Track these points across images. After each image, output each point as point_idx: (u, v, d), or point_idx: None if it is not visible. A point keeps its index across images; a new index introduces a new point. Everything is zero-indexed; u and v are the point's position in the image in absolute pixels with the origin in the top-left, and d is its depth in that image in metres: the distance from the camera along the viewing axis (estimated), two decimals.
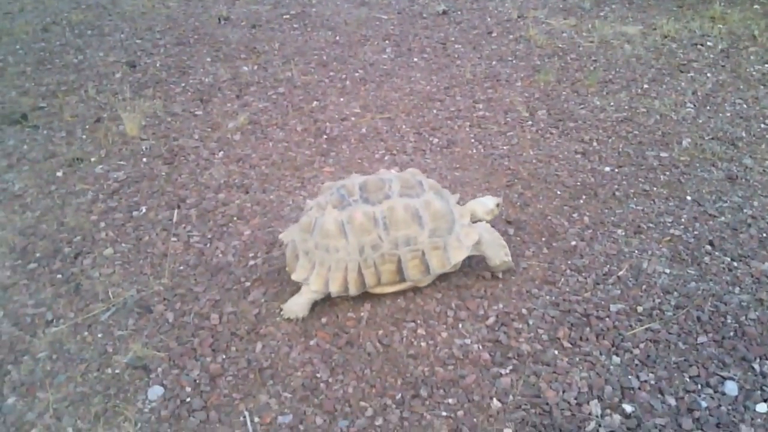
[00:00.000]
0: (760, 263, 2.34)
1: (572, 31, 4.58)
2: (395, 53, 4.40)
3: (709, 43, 4.24)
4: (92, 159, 3.19)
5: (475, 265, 2.33)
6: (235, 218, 2.70)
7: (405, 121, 3.48)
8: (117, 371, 1.99)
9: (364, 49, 4.50)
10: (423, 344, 2.05)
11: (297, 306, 2.11)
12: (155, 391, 1.90)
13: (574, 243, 2.48)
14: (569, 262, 2.39)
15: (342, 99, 3.78)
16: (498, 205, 2.35)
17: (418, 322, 2.13)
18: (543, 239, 2.50)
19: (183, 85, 4.01)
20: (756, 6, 4.82)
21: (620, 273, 2.32)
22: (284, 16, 5.17)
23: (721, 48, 4.16)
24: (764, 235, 2.48)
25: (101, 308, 2.24)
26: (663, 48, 4.20)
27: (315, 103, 3.73)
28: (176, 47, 4.61)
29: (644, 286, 2.26)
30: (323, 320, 2.15)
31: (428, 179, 2.21)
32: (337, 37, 4.74)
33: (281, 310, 2.15)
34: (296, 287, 2.18)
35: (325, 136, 3.35)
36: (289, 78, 4.07)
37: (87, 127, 3.51)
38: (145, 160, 3.16)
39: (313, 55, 4.42)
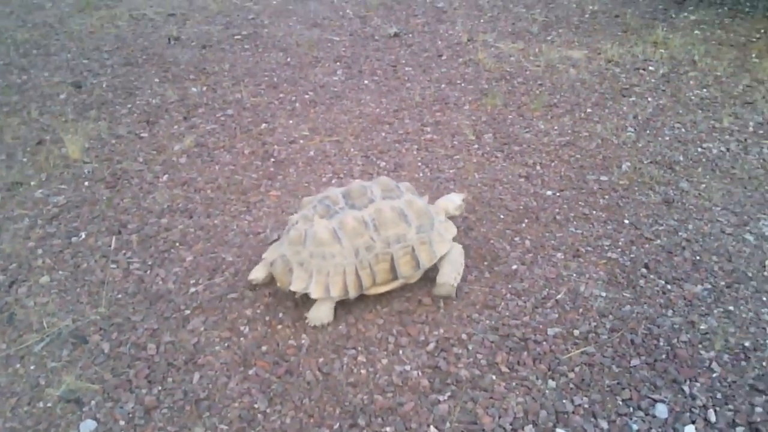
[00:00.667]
0: (693, 286, 2.40)
1: (520, 55, 4.67)
2: (346, 75, 4.42)
3: (651, 68, 4.37)
4: (32, 183, 3.12)
5: (417, 290, 2.35)
6: (177, 244, 2.66)
7: (353, 144, 3.49)
8: (49, 405, 1.94)
9: (315, 71, 4.51)
10: (363, 372, 2.05)
11: (321, 313, 2.18)
12: (87, 426, 1.86)
13: (515, 267, 2.51)
14: (510, 286, 2.42)
15: (291, 121, 3.78)
16: (463, 200, 2.52)
17: (359, 348, 2.13)
18: (485, 263, 2.53)
19: (129, 106, 3.96)
20: (697, 31, 4.99)
21: (558, 297, 2.36)
22: (235, 37, 5.15)
23: (663, 72, 4.29)
24: (697, 257, 2.55)
25: (35, 339, 2.19)
26: (607, 72, 4.31)
27: (264, 125, 3.72)
28: (124, 68, 4.56)
29: (581, 310, 2.30)
30: (263, 348, 2.13)
31: (402, 183, 2.36)
32: (289, 59, 4.74)
33: (306, 319, 2.20)
34: (237, 314, 2.16)
35: (272, 159, 3.34)
36: (238, 99, 4.05)
37: (28, 149, 3.44)
38: (86, 184, 3.11)
39: (263, 76, 4.42)
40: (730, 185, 3.04)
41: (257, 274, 2.34)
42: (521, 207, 2.90)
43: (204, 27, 5.41)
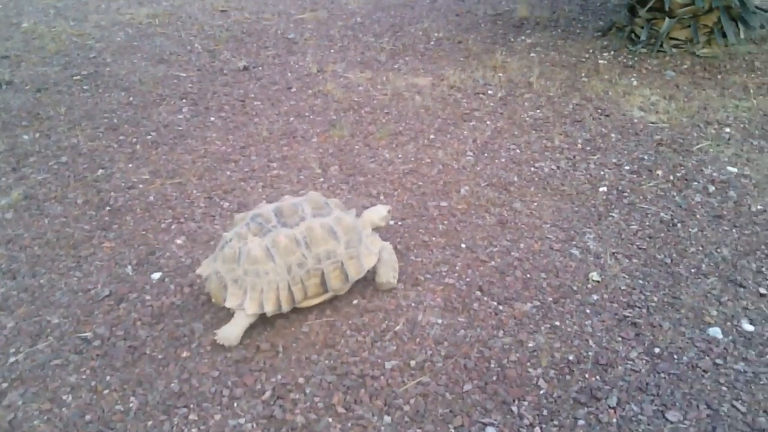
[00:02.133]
0: (523, 304, 2.51)
1: (368, 84, 4.75)
2: (192, 113, 4.32)
3: (490, 92, 4.57)
4: None
5: (256, 336, 2.30)
6: None
7: (196, 186, 3.40)
8: None
9: (159, 110, 4.37)
10: (194, 431, 1.96)
11: (232, 334, 2.25)
12: None
13: (355, 301, 2.52)
14: (350, 321, 2.42)
15: (131, 165, 3.63)
16: (389, 211, 2.63)
17: (191, 406, 2.05)
18: (328, 302, 2.52)
19: None
20: (533, 54, 5.28)
21: (397, 328, 2.38)
22: (74, 78, 4.92)
23: (500, 96, 4.50)
24: (528, 276, 2.67)
25: None
26: (449, 98, 4.47)
27: (100, 171, 3.56)
28: None
29: (418, 339, 2.33)
30: (87, 417, 2.01)
31: (330, 199, 2.49)
32: (131, 98, 4.58)
33: (215, 334, 2.27)
34: (60, 382, 2.02)
35: (108, 208, 3.20)
36: (74, 145, 3.86)
37: None
38: None
39: (102, 118, 4.23)
40: (560, 202, 3.22)
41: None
42: None
43: (40, 68, 5.13)
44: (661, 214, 3.11)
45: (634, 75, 4.70)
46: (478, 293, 2.57)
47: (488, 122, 4.12)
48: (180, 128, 4.10)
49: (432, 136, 3.94)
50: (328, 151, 3.77)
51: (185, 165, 3.63)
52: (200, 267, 2.38)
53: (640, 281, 2.64)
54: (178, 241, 2.91)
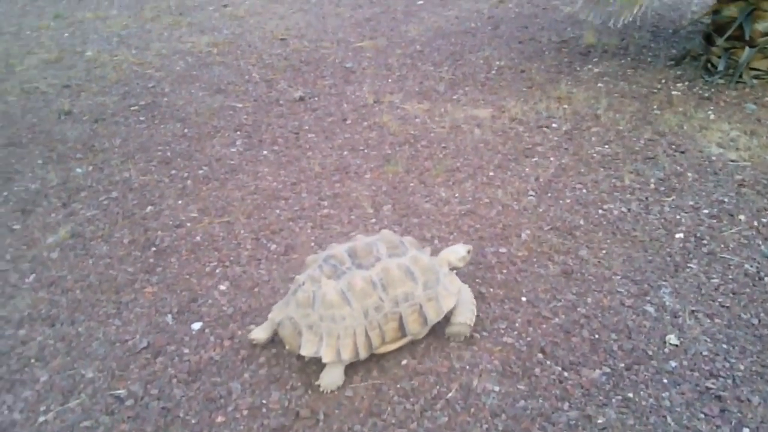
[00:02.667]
0: (591, 370, 2.26)
1: (425, 116, 4.57)
2: (245, 146, 4.23)
3: (554, 125, 4.33)
4: None
5: (295, 401, 2.11)
6: (32, 360, 2.38)
7: (244, 225, 3.28)
8: None
9: (212, 143, 4.30)
10: None
11: (333, 377, 2.19)
12: None
13: (404, 362, 2.32)
14: (398, 385, 2.22)
15: (180, 202, 3.55)
16: (469, 252, 2.50)
17: None
18: (373, 358, 2.32)
19: (5, 194, 3.67)
20: (600, 84, 5.01)
21: (449, 395, 2.18)
22: (131, 108, 4.92)
23: (565, 129, 4.25)
24: (596, 336, 2.41)
25: None
26: (510, 132, 4.25)
27: (149, 208, 3.48)
28: (6, 149, 4.26)
29: (473, 409, 2.12)
30: None
31: (405, 237, 2.40)
32: (186, 130, 4.53)
33: (319, 386, 2.19)
34: None
35: (153, 248, 3.10)
36: (125, 179, 3.81)
37: None
38: None
39: (156, 150, 4.19)
40: (631, 249, 2.94)
41: (259, 334, 2.35)
42: None
43: (99, 98, 5.16)
44: (746, 265, 2.80)
45: (711, 108, 4.37)
46: (540, 356, 2.33)
47: (552, 158, 3.87)
48: (232, 162, 4.00)
49: (491, 173, 3.72)
50: (381, 188, 3.60)
51: (234, 202, 3.51)
52: (272, 311, 2.30)
53: (724, 345, 2.35)
54: (222, 287, 2.78)
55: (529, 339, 2.43)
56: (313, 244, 3.11)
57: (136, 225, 3.33)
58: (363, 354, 2.17)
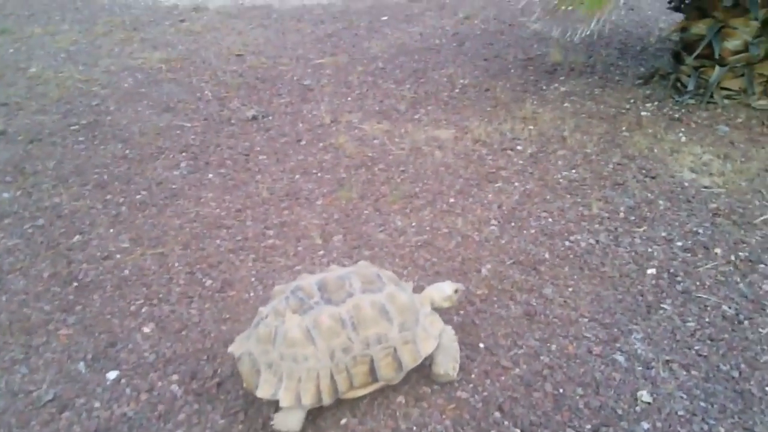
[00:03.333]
0: None
1: (385, 137, 4.31)
2: (189, 168, 3.92)
3: (519, 147, 4.09)
4: None
5: None
6: None
7: (179, 257, 2.97)
8: None
9: (154, 165, 3.98)
10: None
11: (289, 421, 1.96)
12: None
13: (344, 420, 2.02)
14: None
15: (111, 230, 3.22)
16: (456, 291, 2.27)
17: None
18: (309, 417, 2.02)
19: None
20: (567, 104, 4.80)
21: None
22: (72, 127, 4.58)
23: (531, 152, 4.02)
24: (560, 390, 2.15)
25: None
26: (473, 154, 4.00)
27: (77, 237, 3.16)
28: None
29: None
30: None
31: (383, 270, 2.16)
32: (127, 151, 4.21)
33: (271, 421, 1.96)
34: None
35: (75, 284, 2.78)
36: (55, 205, 3.48)
37: None
38: None
39: (93, 174, 3.86)
40: (600, 287, 2.70)
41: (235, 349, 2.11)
42: None
43: (38, 117, 4.81)
44: (723, 306, 2.57)
45: (682, 129, 4.18)
46: (498, 415, 2.06)
47: (516, 183, 3.63)
48: (174, 186, 3.69)
49: (452, 200, 3.46)
50: (332, 216, 3.32)
51: (171, 231, 3.20)
52: (233, 344, 2.09)
53: (702, 403, 2.10)
54: (146, 329, 2.47)
55: (485, 394, 2.15)
56: (253, 279, 2.82)
57: (60, 256, 3.00)
58: (327, 399, 1.96)
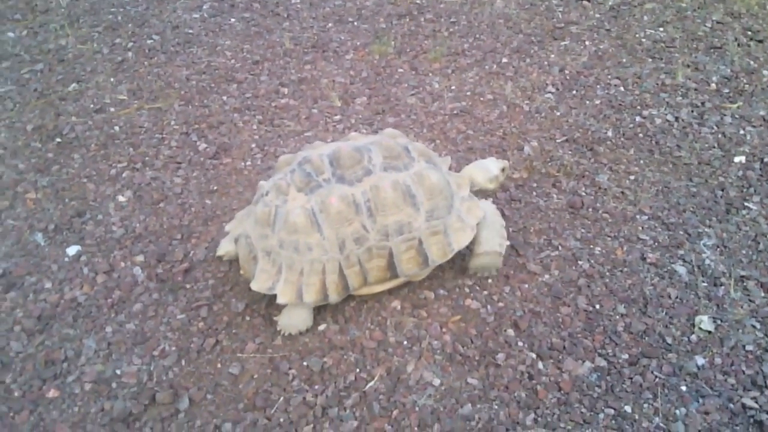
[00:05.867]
0: (577, 363, 1.60)
1: None
2: (212, 11, 3.44)
3: None
4: None
5: (160, 373, 1.50)
6: None
7: (178, 114, 2.58)
8: None
9: (175, 5, 3.56)
10: None
11: (296, 317, 1.64)
12: None
13: (322, 326, 1.67)
14: (304, 363, 1.60)
15: (112, 79, 2.87)
16: (503, 170, 1.87)
17: None
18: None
19: None
20: None
21: (368, 385, 1.54)
22: None
23: (612, 3, 3.31)
24: (596, 307, 1.72)
25: None
26: (541, 4, 3.33)
27: (73, 85, 2.85)
28: None
29: (395, 413, 1.50)
30: None
31: (412, 142, 1.74)
32: None
33: (279, 329, 1.66)
34: None
35: (58, 140, 2.53)
36: (60, 48, 3.18)
37: None
38: None
39: (107, 13, 3.49)
40: (671, 176, 2.16)
41: (225, 248, 1.82)
42: None
43: None
44: None
45: None
46: (511, 332, 1.64)
47: (587, 42, 2.99)
48: (190, 32, 3.24)
49: (504, 60, 2.87)
50: (360, 74, 2.81)
51: (176, 83, 2.79)
52: (231, 222, 1.77)
53: None
54: (121, 198, 2.14)
55: (501, 305, 1.72)
56: (254, 145, 2.42)
57: (50, 107, 2.67)
58: (334, 297, 1.63)
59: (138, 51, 3.10)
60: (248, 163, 2.33)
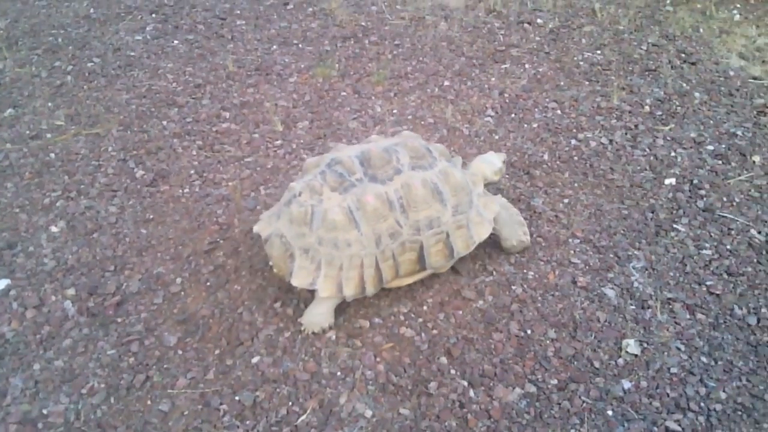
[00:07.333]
0: (507, 390, 1.60)
1: (385, 3, 3.69)
2: (155, 32, 3.41)
3: (539, 20, 3.45)
4: None
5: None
6: None
7: (116, 139, 2.55)
8: None
9: (118, 27, 3.49)
10: None
11: (319, 316, 1.72)
12: None
13: (256, 359, 1.65)
14: (236, 397, 1.56)
15: (50, 104, 2.83)
16: (504, 162, 2.07)
17: None
18: (217, 351, 1.65)
19: None
20: None
21: (300, 419, 1.53)
22: None
23: (552, 27, 3.38)
24: (527, 332, 1.73)
25: None
26: (483, 27, 3.38)
27: (9, 111, 2.84)
28: None
29: None
30: None
31: (433, 143, 1.89)
32: (92, 10, 3.72)
33: (301, 326, 1.74)
34: None
35: None
36: None
37: None
38: None
39: (48, 35, 3.42)
40: (603, 198, 2.22)
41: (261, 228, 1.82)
42: None
43: None
44: (752, 230, 2.07)
45: (738, 5, 3.46)
46: (444, 360, 1.66)
47: (527, 65, 3.04)
48: (132, 54, 3.21)
49: (447, 83, 2.91)
50: (303, 97, 2.82)
51: (115, 108, 2.76)
52: (258, 223, 1.80)
53: (703, 359, 1.66)
54: (54, 229, 2.10)
55: (435, 332, 1.74)
56: (192, 171, 2.40)
57: None
58: (370, 290, 1.72)
59: (78, 74, 3.06)
60: (186, 190, 2.31)
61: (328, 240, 1.66)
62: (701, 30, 3.30)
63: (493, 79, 2.97)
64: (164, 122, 2.70)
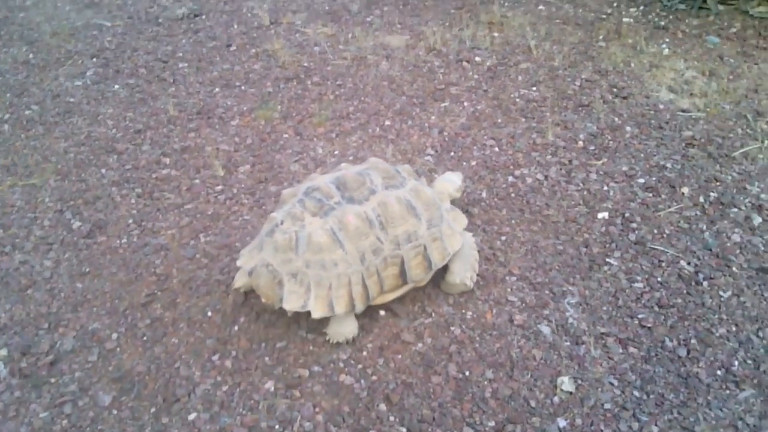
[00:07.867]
0: None
1: (327, 43, 3.74)
2: (96, 78, 3.39)
3: (477, 59, 3.53)
4: None
5: None
6: None
7: (53, 190, 2.52)
8: None
9: (57, 72, 3.46)
10: None
11: (344, 326, 1.82)
12: None
13: (193, 416, 1.62)
14: None
15: None
16: (463, 180, 2.25)
17: None
18: (153, 409, 1.62)
19: None
20: (541, 6, 4.19)
21: None
22: None
23: (489, 65, 3.47)
24: (466, 374, 1.76)
25: None
26: (424, 66, 3.45)
27: None
28: None
29: None
30: None
31: (400, 165, 2.02)
32: (31, 55, 3.66)
33: (329, 339, 1.83)
34: None
35: None
36: None
37: None
38: None
39: None
40: (539, 235, 2.30)
41: (242, 280, 1.90)
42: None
43: None
44: (681, 262, 2.14)
45: (667, 40, 3.60)
46: (383, 407, 1.66)
47: (465, 103, 3.11)
48: (71, 100, 3.18)
49: (387, 123, 2.96)
50: (245, 140, 2.83)
51: (53, 157, 2.73)
52: (241, 258, 1.86)
53: (636, 393, 1.70)
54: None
55: (374, 378, 1.75)
56: (131, 221, 2.37)
57: None
58: (360, 306, 1.80)
59: (15, 123, 3.02)
60: (124, 240, 2.29)
61: (315, 262, 1.72)
62: (632, 64, 3.43)
63: (433, 117, 3.03)
64: (103, 170, 2.68)
